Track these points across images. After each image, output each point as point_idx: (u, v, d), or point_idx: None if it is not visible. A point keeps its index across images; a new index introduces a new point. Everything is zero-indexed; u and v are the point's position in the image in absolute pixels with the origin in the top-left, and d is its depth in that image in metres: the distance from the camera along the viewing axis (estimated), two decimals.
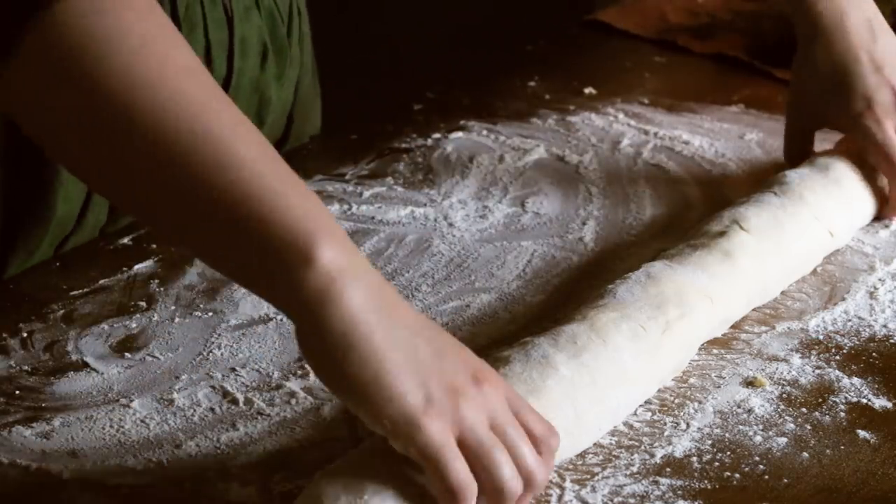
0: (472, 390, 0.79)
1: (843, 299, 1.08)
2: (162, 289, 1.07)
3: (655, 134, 1.36)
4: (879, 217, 1.20)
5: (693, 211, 1.22)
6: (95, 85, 0.74)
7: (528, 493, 0.80)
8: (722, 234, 1.06)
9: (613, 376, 0.91)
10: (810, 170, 1.18)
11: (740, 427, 0.92)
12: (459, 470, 0.77)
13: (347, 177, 1.26)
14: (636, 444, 0.90)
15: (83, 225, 1.14)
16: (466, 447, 0.78)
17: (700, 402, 0.95)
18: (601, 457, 0.89)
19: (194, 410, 0.93)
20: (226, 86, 1.21)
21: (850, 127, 1.22)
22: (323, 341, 0.75)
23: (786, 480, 0.87)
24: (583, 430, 0.88)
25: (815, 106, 1.25)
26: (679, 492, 0.86)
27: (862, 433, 0.92)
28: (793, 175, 1.16)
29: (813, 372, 0.98)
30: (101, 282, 1.08)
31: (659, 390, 0.95)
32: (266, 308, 1.04)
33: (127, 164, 0.76)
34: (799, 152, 1.26)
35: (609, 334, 0.92)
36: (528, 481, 0.80)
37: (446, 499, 0.78)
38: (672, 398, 0.95)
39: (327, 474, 0.79)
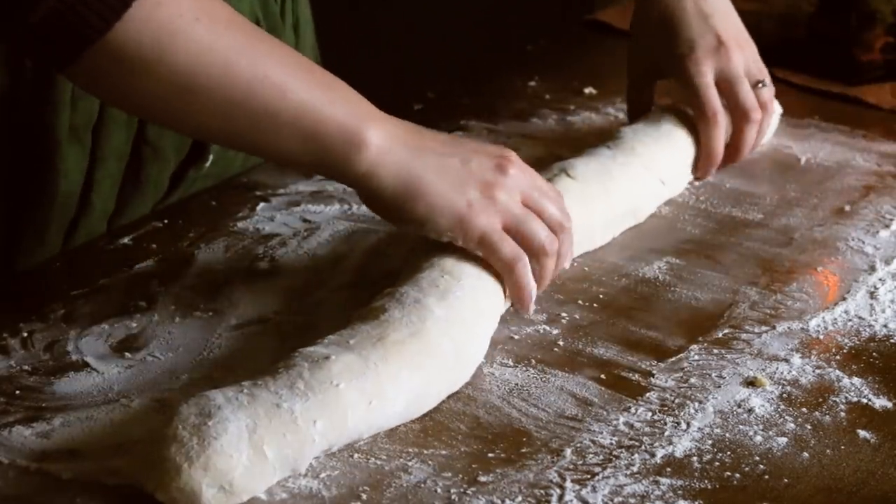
0: (501, 178, 1.00)
1: (844, 299, 1.08)
2: (162, 289, 1.07)
3: None
4: (696, 171, 1.25)
5: None
6: (173, 65, 0.91)
7: (563, 237, 1.02)
8: (548, 180, 1.10)
9: (476, 311, 0.97)
10: (644, 125, 1.24)
11: (741, 427, 0.92)
12: (507, 245, 0.99)
13: None
14: (636, 443, 0.90)
15: (90, 209, 1.16)
16: (509, 227, 0.99)
17: (700, 402, 0.95)
18: (601, 457, 0.89)
19: None
20: None
21: (674, 70, 1.27)
22: (383, 198, 0.98)
23: (786, 480, 0.87)
24: (462, 364, 0.95)
25: (648, 56, 1.31)
26: (679, 492, 0.86)
27: (862, 433, 0.92)
28: (627, 131, 1.23)
29: (813, 372, 0.98)
30: (102, 282, 1.08)
31: (660, 389, 0.96)
32: (266, 308, 1.04)
33: (203, 113, 0.94)
34: (639, 107, 1.32)
35: (461, 274, 0.99)
36: (559, 230, 1.02)
37: (506, 271, 1.00)
38: (672, 398, 0.95)
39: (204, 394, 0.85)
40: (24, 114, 1.09)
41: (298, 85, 0.95)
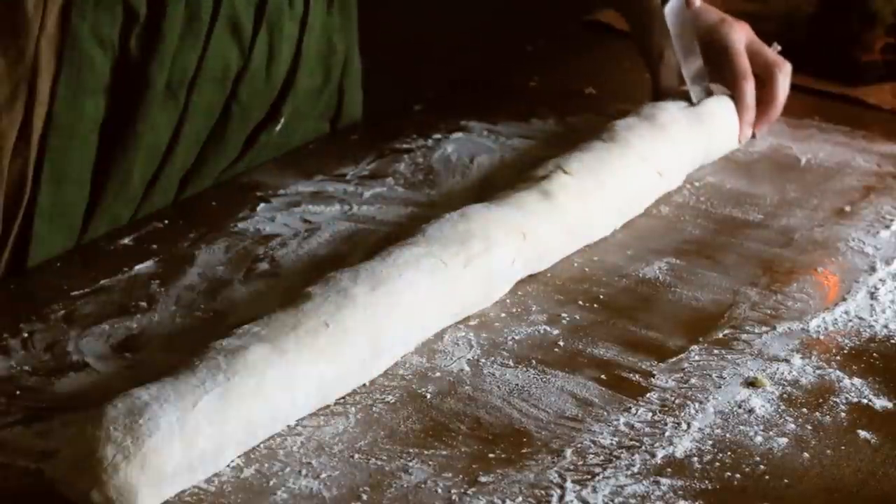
0: None
1: (844, 299, 1.08)
2: (162, 289, 1.07)
3: None
4: (739, 132, 1.32)
5: None
6: None
7: None
8: (544, 177, 1.11)
9: (408, 306, 0.97)
10: (637, 119, 1.25)
11: (741, 427, 0.92)
12: None
13: (348, 177, 1.26)
14: (637, 444, 0.90)
15: (171, 164, 1.19)
16: None
17: (701, 403, 0.95)
18: (602, 457, 0.89)
19: None
20: (303, 23, 1.26)
21: (709, 35, 1.33)
22: None
23: (786, 481, 0.88)
24: (380, 355, 0.95)
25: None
26: (680, 492, 0.86)
27: (863, 433, 0.92)
28: (620, 124, 1.23)
29: (814, 372, 0.98)
30: (102, 282, 1.08)
31: (660, 390, 0.96)
32: (266, 308, 1.04)
33: None
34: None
35: (407, 269, 0.98)
36: None
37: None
38: (673, 398, 0.95)
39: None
40: (129, 63, 1.12)
41: None
